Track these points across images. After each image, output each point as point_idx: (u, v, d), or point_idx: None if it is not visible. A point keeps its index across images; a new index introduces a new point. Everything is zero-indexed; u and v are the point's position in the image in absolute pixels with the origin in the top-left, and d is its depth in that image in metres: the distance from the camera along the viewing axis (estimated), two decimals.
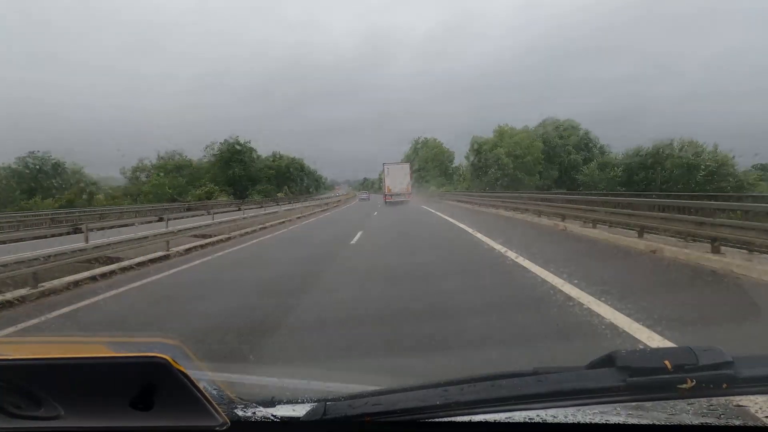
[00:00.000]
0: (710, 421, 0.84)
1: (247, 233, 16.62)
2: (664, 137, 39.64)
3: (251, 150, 59.86)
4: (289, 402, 0.98)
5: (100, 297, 6.72)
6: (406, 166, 39.87)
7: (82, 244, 9.29)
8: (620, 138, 71.59)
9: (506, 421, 0.87)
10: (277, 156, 69.22)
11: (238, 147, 58.71)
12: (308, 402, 0.96)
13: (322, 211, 32.65)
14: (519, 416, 0.87)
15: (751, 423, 0.85)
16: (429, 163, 63.86)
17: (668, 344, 3.38)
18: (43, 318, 5.49)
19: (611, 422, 0.87)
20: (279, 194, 57.96)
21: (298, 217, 24.85)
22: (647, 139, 41.97)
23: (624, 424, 0.87)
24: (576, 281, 5.72)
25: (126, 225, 18.45)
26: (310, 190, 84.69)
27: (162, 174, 50.62)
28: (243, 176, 57.33)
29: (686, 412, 0.87)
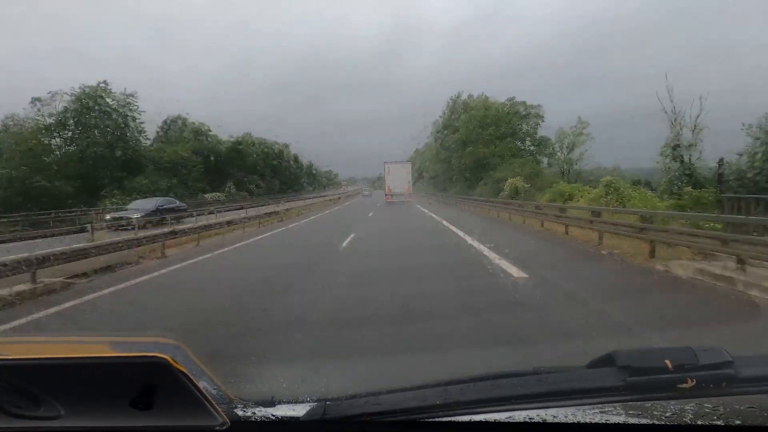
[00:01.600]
0: (710, 421, 0.84)
1: None
2: None
3: (131, 108, 34.62)
4: (288, 402, 0.98)
5: None
6: (408, 165, 39.51)
7: None
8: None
9: (507, 420, 0.87)
10: (248, 138, 48.92)
11: (102, 102, 32.42)
12: (308, 402, 0.97)
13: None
14: (519, 416, 0.88)
15: (750, 423, 0.86)
16: (484, 131, 34.60)
17: None
18: None
19: (611, 422, 0.87)
20: (212, 195, 37.91)
21: None
22: None
23: (624, 424, 0.87)
24: None
25: None
26: (311, 188, 72.65)
27: None
28: (109, 161, 32.24)
29: (686, 411, 0.87)
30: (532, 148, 35.45)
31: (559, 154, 32.82)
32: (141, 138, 37.18)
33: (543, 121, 35.13)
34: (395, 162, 38.81)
